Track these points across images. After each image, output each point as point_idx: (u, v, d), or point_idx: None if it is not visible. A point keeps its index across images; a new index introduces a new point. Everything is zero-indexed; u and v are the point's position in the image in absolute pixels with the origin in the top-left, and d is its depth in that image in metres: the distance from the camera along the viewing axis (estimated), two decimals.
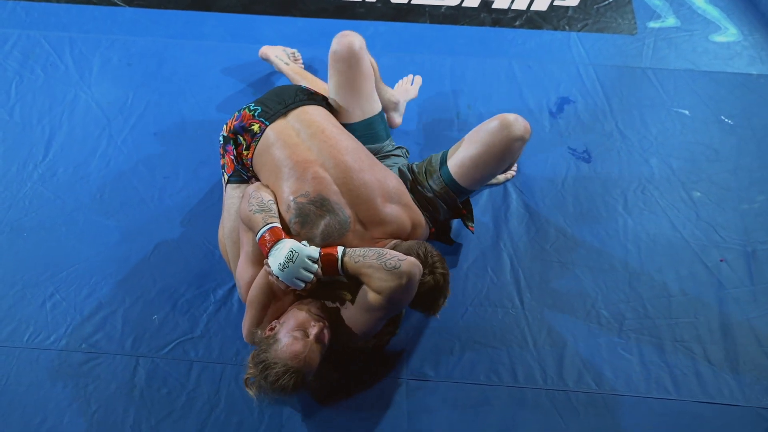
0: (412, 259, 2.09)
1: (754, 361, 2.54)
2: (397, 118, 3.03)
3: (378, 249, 2.14)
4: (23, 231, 2.79)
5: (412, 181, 2.51)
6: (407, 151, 2.70)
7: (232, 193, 2.53)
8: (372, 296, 2.08)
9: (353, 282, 2.19)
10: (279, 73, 3.24)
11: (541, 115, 3.18)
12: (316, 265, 2.11)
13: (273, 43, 3.28)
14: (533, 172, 2.97)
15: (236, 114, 2.47)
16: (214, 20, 3.52)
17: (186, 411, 2.42)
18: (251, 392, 2.15)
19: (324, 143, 2.32)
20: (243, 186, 2.52)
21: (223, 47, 3.39)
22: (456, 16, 3.58)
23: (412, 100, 3.16)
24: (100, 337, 2.55)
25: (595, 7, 3.62)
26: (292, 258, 2.07)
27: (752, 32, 3.51)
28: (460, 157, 2.44)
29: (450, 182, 2.45)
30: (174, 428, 2.39)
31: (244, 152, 2.43)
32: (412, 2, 3.62)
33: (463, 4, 3.61)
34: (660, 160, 3.03)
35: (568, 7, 3.62)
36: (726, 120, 3.17)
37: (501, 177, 2.91)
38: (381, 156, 2.60)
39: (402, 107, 3.05)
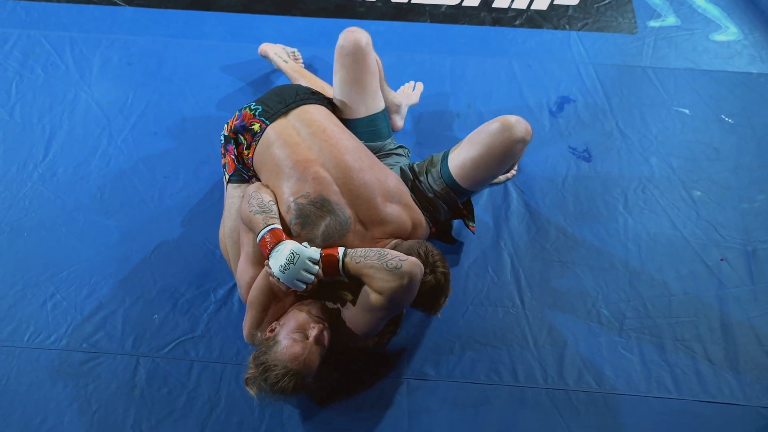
0: (413, 259, 2.09)
1: (754, 360, 2.54)
2: (399, 121, 3.03)
3: (379, 249, 2.14)
4: (23, 231, 2.79)
5: (413, 180, 2.51)
6: (409, 150, 2.70)
7: (232, 193, 2.53)
8: (373, 296, 2.08)
9: (354, 282, 2.18)
10: (279, 73, 3.24)
11: (541, 114, 3.18)
12: (316, 267, 2.10)
13: (273, 42, 3.27)
14: (533, 172, 2.97)
15: (237, 113, 2.47)
16: (215, 19, 3.51)
17: (186, 410, 2.42)
18: (252, 392, 2.15)
19: (324, 142, 2.32)
20: (244, 185, 2.52)
21: (224, 47, 3.39)
22: (456, 15, 3.58)
23: (413, 105, 3.16)
24: (101, 337, 2.55)
25: (595, 6, 3.62)
26: (292, 260, 2.07)
27: (752, 31, 3.50)
28: (461, 158, 2.44)
29: (451, 183, 2.45)
30: (174, 428, 2.39)
31: (245, 152, 2.43)
32: (412, 1, 3.62)
33: (464, 4, 3.61)
34: (660, 159, 3.03)
35: (568, 6, 3.62)
36: (726, 119, 3.17)
37: (501, 177, 2.91)
38: (383, 154, 2.61)
39: (404, 110, 3.06)
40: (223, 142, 2.53)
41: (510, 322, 2.62)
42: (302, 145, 2.32)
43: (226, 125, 2.50)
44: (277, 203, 2.27)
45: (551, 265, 2.75)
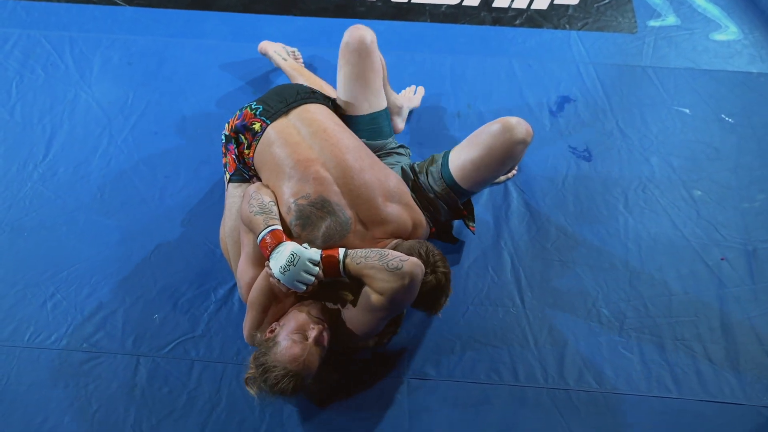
0: (414, 259, 2.09)
1: (754, 360, 2.54)
2: (400, 124, 3.04)
3: (380, 250, 2.14)
4: (24, 231, 2.79)
5: (414, 180, 2.51)
6: (409, 150, 2.70)
7: (233, 192, 2.53)
8: (374, 297, 2.08)
9: (355, 282, 2.18)
10: (279, 72, 3.25)
11: (541, 114, 3.18)
12: (317, 268, 2.10)
13: (274, 41, 3.27)
14: (534, 171, 2.97)
15: (238, 113, 2.47)
16: (215, 19, 3.52)
17: (187, 410, 2.42)
18: (252, 392, 2.16)
19: (325, 142, 2.31)
20: (244, 185, 2.52)
21: (224, 46, 3.39)
22: (456, 14, 3.58)
23: (414, 108, 3.17)
24: (101, 337, 2.55)
25: (595, 5, 3.62)
26: (293, 261, 2.07)
27: (752, 30, 3.51)
28: (461, 159, 2.44)
29: (451, 184, 2.45)
30: (175, 427, 2.39)
31: (246, 151, 2.43)
32: (412, 1, 3.62)
33: (464, 3, 3.62)
34: (660, 158, 3.03)
35: (568, 5, 3.62)
36: (726, 118, 3.17)
37: (502, 176, 2.91)
38: (384, 153, 2.61)
39: (405, 113, 3.07)
40: (224, 141, 2.53)
41: (510, 322, 2.62)
42: (303, 145, 2.31)
43: (227, 125, 2.50)
44: (277, 204, 2.27)
45: (551, 264, 2.75)
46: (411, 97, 3.15)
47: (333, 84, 2.99)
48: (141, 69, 3.30)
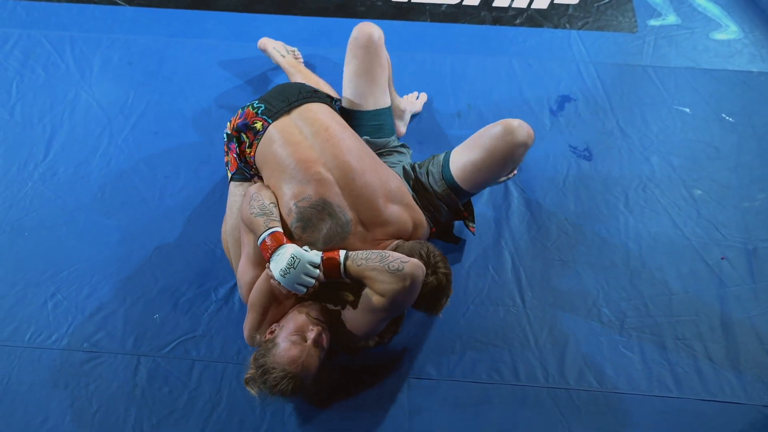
0: (414, 260, 2.09)
1: (755, 359, 2.54)
2: (402, 127, 3.04)
3: (380, 251, 2.13)
4: (24, 230, 2.79)
5: (415, 179, 2.51)
6: (410, 149, 2.70)
7: (234, 191, 2.54)
8: (375, 298, 2.08)
9: (355, 283, 2.18)
10: (280, 71, 3.25)
11: (541, 113, 3.18)
12: (317, 270, 2.10)
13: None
14: (534, 171, 2.97)
15: (240, 111, 2.47)
16: (215, 19, 3.52)
17: (188, 410, 2.42)
18: (252, 392, 2.16)
19: (327, 142, 2.31)
20: (246, 184, 2.53)
21: (224, 46, 3.39)
22: (456, 14, 3.58)
23: (415, 112, 3.17)
24: (102, 337, 2.56)
25: (595, 5, 3.62)
26: (293, 264, 2.07)
27: (752, 30, 3.50)
28: (462, 160, 2.44)
29: (452, 184, 2.45)
30: (176, 427, 2.39)
31: (247, 150, 2.43)
32: (412, 1, 3.62)
33: (464, 3, 3.62)
34: (661, 158, 3.03)
35: (568, 5, 3.62)
36: (727, 118, 3.17)
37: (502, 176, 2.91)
38: (386, 151, 2.61)
39: (407, 117, 3.07)
40: (225, 140, 2.53)
41: (511, 321, 2.62)
42: (304, 144, 2.31)
43: (228, 123, 2.50)
44: (278, 205, 2.27)
45: (552, 264, 2.75)
46: (414, 102, 3.15)
47: (331, 82, 3.00)
48: (141, 69, 3.30)
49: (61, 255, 2.73)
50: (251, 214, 2.21)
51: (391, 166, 2.52)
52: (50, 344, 2.53)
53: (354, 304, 2.18)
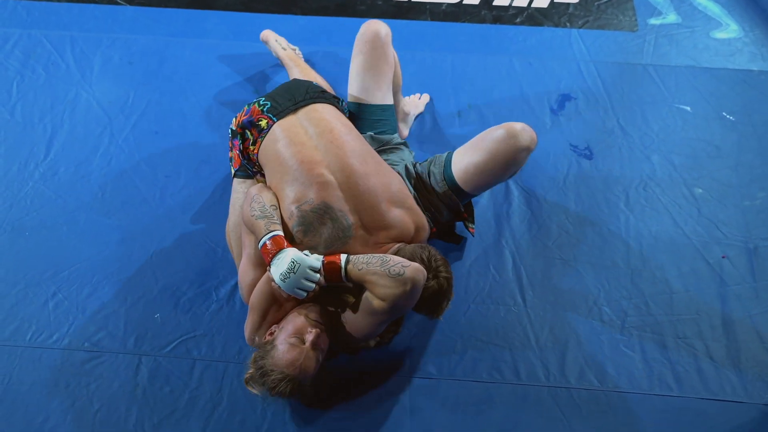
0: (416, 264, 2.09)
1: (756, 358, 2.54)
2: (405, 130, 3.04)
3: (381, 255, 2.13)
4: (25, 230, 2.79)
5: (416, 179, 2.51)
6: (412, 151, 2.71)
7: (237, 188, 2.55)
8: (376, 302, 2.08)
9: (356, 286, 2.19)
10: (280, 71, 3.25)
11: (542, 112, 3.18)
12: (317, 275, 2.10)
13: None
14: (535, 169, 2.97)
15: (246, 108, 2.47)
16: (215, 18, 3.51)
17: (189, 409, 2.42)
18: (254, 390, 2.18)
19: (331, 144, 2.30)
20: (249, 181, 2.53)
21: (225, 45, 3.39)
22: (457, 13, 3.58)
23: (418, 113, 3.18)
24: (103, 336, 2.56)
25: (595, 3, 3.62)
26: (293, 269, 2.07)
27: (753, 29, 3.50)
28: (464, 162, 2.43)
29: (453, 186, 2.45)
30: (177, 427, 2.39)
31: (251, 147, 2.43)
32: (412, 0, 3.62)
33: (464, 2, 3.61)
34: (661, 156, 3.03)
35: (569, 4, 3.62)
36: (727, 116, 3.17)
37: None
38: (389, 148, 2.61)
39: (410, 120, 3.08)
40: (230, 135, 2.53)
41: (512, 321, 2.62)
42: (308, 144, 2.30)
43: (234, 119, 2.50)
44: (279, 207, 2.27)
45: (553, 263, 2.75)
46: (417, 103, 3.15)
47: (331, 81, 3.00)
48: (142, 68, 3.29)
49: (62, 254, 2.73)
50: (252, 216, 2.21)
51: (394, 164, 2.52)
52: (51, 344, 2.54)
53: (354, 307, 2.18)
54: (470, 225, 2.60)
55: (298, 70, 2.97)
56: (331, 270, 2.12)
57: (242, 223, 2.32)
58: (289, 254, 2.09)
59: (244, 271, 2.29)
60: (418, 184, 2.50)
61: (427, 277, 2.15)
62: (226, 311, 2.61)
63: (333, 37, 3.43)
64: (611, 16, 3.57)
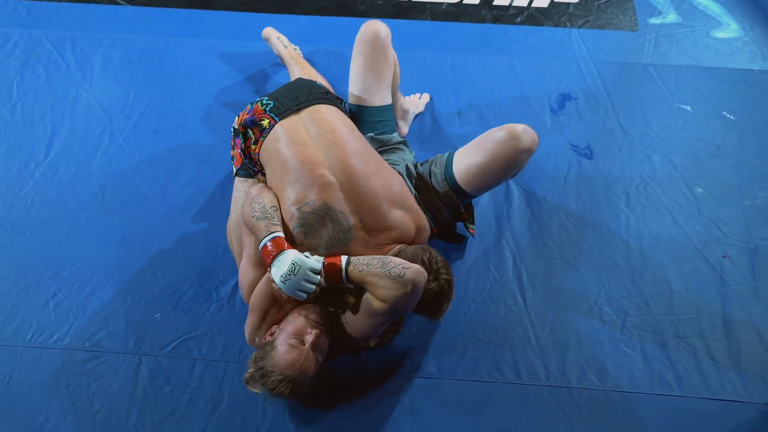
0: (416, 266, 2.09)
1: (756, 358, 2.54)
2: (404, 128, 3.05)
3: (382, 257, 2.13)
4: (25, 230, 2.79)
5: (417, 178, 2.51)
6: (412, 151, 2.71)
7: (239, 186, 2.55)
8: (376, 303, 2.08)
9: (356, 287, 2.19)
10: (281, 70, 3.25)
11: (542, 112, 3.18)
12: (318, 277, 2.10)
13: None
14: (535, 169, 2.97)
15: (249, 106, 2.47)
16: (216, 18, 3.51)
17: (189, 409, 2.42)
18: (254, 390, 2.19)
19: (332, 144, 2.29)
20: (250, 180, 2.54)
21: (225, 45, 3.39)
22: (457, 13, 3.58)
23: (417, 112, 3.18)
24: (103, 336, 2.56)
25: (596, 3, 3.62)
26: (293, 270, 2.07)
27: (753, 28, 3.50)
28: (466, 162, 2.44)
29: (454, 186, 2.45)
30: (177, 426, 2.39)
31: (252, 146, 2.43)
32: (412, 0, 3.63)
33: (464, 1, 3.61)
34: (662, 156, 3.03)
35: (569, 3, 3.62)
36: (728, 116, 3.17)
37: None
38: (389, 148, 2.61)
39: (410, 118, 3.08)
40: (232, 134, 2.53)
41: (512, 320, 2.62)
42: (309, 145, 2.30)
43: (237, 117, 2.49)
44: (279, 207, 2.27)
45: (553, 262, 2.75)
46: (417, 102, 3.15)
47: (331, 81, 3.00)
48: (142, 68, 3.30)
49: (63, 254, 2.73)
50: (253, 217, 2.21)
51: (394, 164, 2.52)
52: (51, 344, 2.54)
53: (355, 308, 2.18)
54: (470, 225, 2.60)
55: (299, 68, 2.97)
56: (331, 271, 2.12)
57: (242, 224, 2.31)
58: (290, 256, 2.09)
59: (245, 271, 2.29)
60: (419, 184, 2.50)
61: (428, 279, 2.14)
62: (227, 311, 2.61)
63: (333, 36, 3.43)
64: (611, 16, 3.57)
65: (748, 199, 2.92)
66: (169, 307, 2.62)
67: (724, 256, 2.77)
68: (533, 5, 3.61)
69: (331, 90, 2.77)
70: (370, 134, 2.59)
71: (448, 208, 2.50)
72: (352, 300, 2.21)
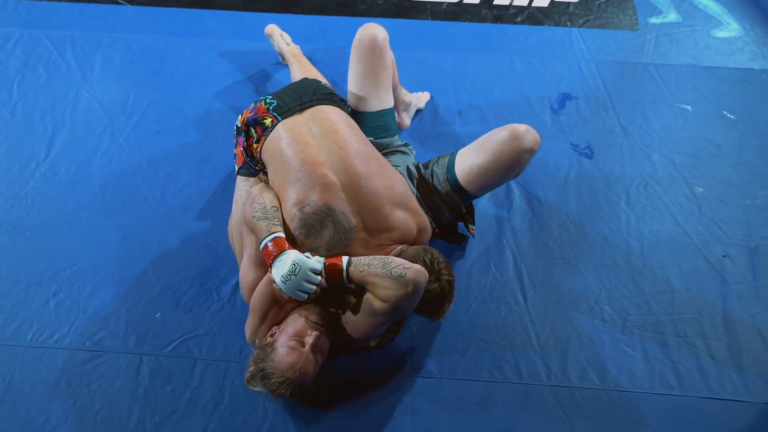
0: (417, 266, 2.09)
1: (757, 357, 2.54)
2: (407, 119, 3.05)
3: (383, 257, 2.13)
4: (26, 230, 2.79)
5: (419, 179, 2.51)
6: (413, 148, 2.71)
7: (241, 185, 2.55)
8: (377, 303, 2.08)
9: (357, 287, 2.19)
10: (281, 69, 3.25)
11: (542, 111, 3.17)
12: (318, 277, 2.10)
13: None
14: (536, 169, 2.97)
15: (252, 105, 2.46)
16: (216, 17, 3.51)
17: (190, 409, 2.42)
18: (255, 389, 2.21)
19: (335, 144, 2.29)
20: (252, 179, 2.54)
21: (225, 44, 3.39)
22: (457, 12, 3.58)
23: (419, 109, 3.18)
24: (104, 336, 2.56)
25: (596, 3, 3.62)
26: (294, 271, 2.07)
27: (753, 27, 3.50)
28: (468, 163, 2.44)
29: (456, 187, 2.45)
30: (178, 426, 2.39)
31: (254, 145, 2.43)
32: None
33: (465, 1, 3.61)
34: (662, 155, 3.03)
35: (569, 3, 3.62)
36: (728, 115, 3.17)
37: None
38: (390, 151, 2.61)
39: (412, 110, 3.09)
40: (235, 132, 2.53)
41: (513, 320, 2.62)
42: (311, 144, 2.29)
43: (240, 116, 2.49)
44: (280, 207, 2.26)
45: (554, 262, 2.75)
46: (420, 97, 3.15)
47: (331, 81, 3.00)
48: (142, 68, 3.29)
49: (63, 254, 2.73)
50: (253, 217, 2.21)
51: (395, 165, 2.52)
52: (52, 344, 2.54)
53: (355, 308, 2.18)
54: (471, 226, 2.60)
55: (300, 66, 2.97)
56: (332, 272, 2.12)
57: (243, 223, 2.31)
58: (291, 256, 2.09)
59: (245, 271, 2.29)
60: (421, 184, 2.50)
61: (429, 280, 2.15)
62: (228, 310, 2.61)
63: (333, 36, 3.43)
64: (612, 15, 3.57)
65: (749, 198, 2.92)
66: (169, 307, 2.62)
67: (724, 256, 2.77)
68: (533, 5, 3.60)
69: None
70: (370, 139, 2.59)
71: (449, 208, 2.50)
72: (352, 300, 2.21)
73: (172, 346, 2.54)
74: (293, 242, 2.21)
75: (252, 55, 3.33)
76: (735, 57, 3.39)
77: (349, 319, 2.20)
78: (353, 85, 2.61)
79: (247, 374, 2.22)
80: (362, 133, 2.46)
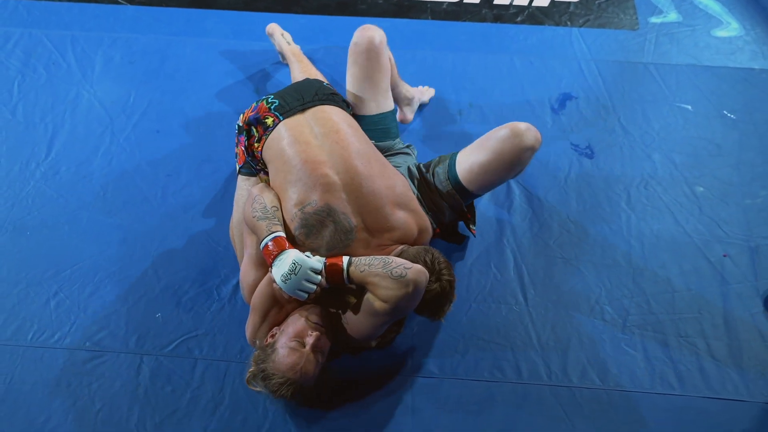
0: (418, 266, 2.09)
1: (757, 357, 2.54)
2: (409, 114, 3.04)
3: (383, 257, 2.13)
4: (26, 230, 2.79)
5: (420, 179, 2.51)
6: (415, 149, 2.70)
7: (242, 185, 2.55)
8: (378, 303, 2.08)
9: (358, 287, 2.19)
10: (281, 69, 3.25)
11: (543, 111, 3.17)
12: (319, 277, 2.10)
13: None
14: (536, 168, 2.97)
15: (254, 104, 2.46)
16: (216, 17, 3.51)
17: (190, 409, 2.42)
18: (255, 389, 2.21)
19: (336, 144, 2.29)
20: (253, 179, 2.54)
21: (225, 44, 3.39)
22: (457, 12, 3.57)
23: (423, 104, 3.18)
24: (104, 336, 2.56)
25: (596, 2, 3.62)
26: (294, 270, 2.06)
27: (754, 27, 3.50)
28: (469, 162, 2.43)
29: (458, 186, 2.44)
30: (178, 426, 2.39)
31: (255, 144, 2.42)
32: None
33: (465, 1, 3.61)
34: (663, 155, 3.03)
35: (569, 2, 3.62)
36: (728, 115, 3.17)
37: None
38: (391, 153, 2.60)
39: (415, 105, 3.07)
40: (236, 131, 2.53)
41: (513, 320, 2.62)
42: (313, 144, 2.29)
43: (241, 115, 2.49)
44: (281, 207, 2.26)
45: (554, 262, 2.75)
46: (423, 91, 3.15)
47: (331, 81, 3.00)
48: (143, 67, 3.29)
49: (64, 254, 2.73)
50: (254, 217, 2.21)
51: (397, 166, 2.52)
52: (53, 343, 2.54)
53: (356, 308, 2.18)
54: (472, 226, 2.60)
55: (301, 66, 2.97)
56: (333, 272, 2.12)
57: (244, 223, 2.31)
58: (291, 255, 2.09)
59: (246, 271, 2.29)
60: (422, 184, 2.49)
61: (430, 280, 2.14)
62: (228, 310, 2.61)
63: (334, 36, 3.43)
64: (612, 15, 3.57)
65: (749, 198, 2.92)
66: (170, 307, 2.62)
67: (725, 255, 2.77)
68: (534, 4, 3.61)
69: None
70: (371, 143, 2.59)
71: (450, 208, 2.50)
72: (353, 300, 2.21)
73: (172, 346, 2.54)
74: (294, 242, 2.21)
75: (252, 55, 3.33)
76: (735, 56, 3.39)
77: (349, 319, 2.20)
78: (350, 89, 2.61)
79: (248, 374, 2.22)
80: (364, 134, 2.45)
